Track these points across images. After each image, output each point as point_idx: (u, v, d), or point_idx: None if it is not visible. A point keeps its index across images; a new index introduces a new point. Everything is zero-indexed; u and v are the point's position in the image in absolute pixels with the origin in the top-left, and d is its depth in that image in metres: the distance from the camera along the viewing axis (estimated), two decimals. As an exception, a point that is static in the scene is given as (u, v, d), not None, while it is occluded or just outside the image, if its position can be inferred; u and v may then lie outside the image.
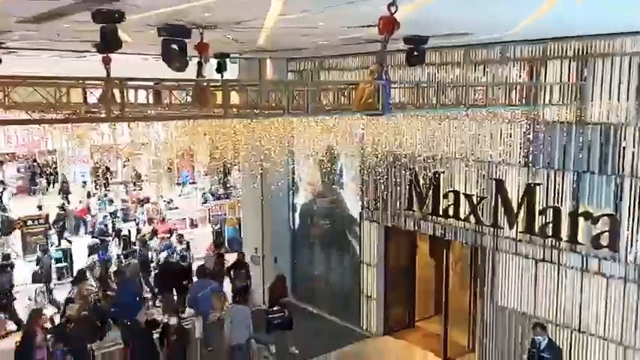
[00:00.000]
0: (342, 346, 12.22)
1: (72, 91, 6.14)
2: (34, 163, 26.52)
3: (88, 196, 22.69)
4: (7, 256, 14.67)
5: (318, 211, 14.08)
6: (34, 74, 6.86)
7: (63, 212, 19.61)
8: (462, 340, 11.84)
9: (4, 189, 24.35)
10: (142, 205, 21.67)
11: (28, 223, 17.76)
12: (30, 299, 13.96)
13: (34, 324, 9.73)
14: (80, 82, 6.27)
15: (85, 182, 25.18)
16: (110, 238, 17.91)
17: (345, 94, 8.29)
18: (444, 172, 11.01)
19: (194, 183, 26.72)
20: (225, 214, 20.31)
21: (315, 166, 13.29)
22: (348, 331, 13.03)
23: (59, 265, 16.12)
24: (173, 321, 10.06)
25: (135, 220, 20.56)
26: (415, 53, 8.07)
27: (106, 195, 23.13)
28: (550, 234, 9.47)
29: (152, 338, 10.08)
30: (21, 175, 25.80)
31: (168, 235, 16.78)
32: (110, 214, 20.58)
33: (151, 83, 7.53)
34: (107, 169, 25.82)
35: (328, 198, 13.77)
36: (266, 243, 14.61)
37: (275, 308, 11.64)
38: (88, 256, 16.14)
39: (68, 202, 22.21)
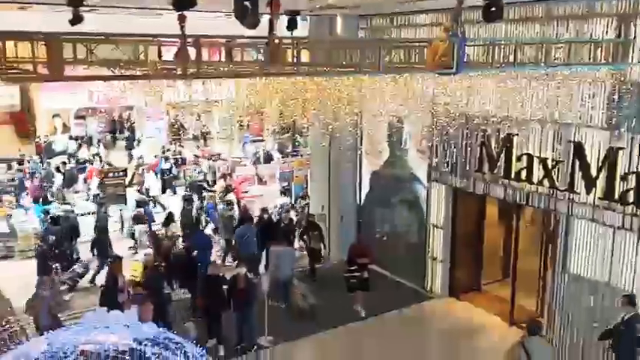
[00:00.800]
0: (405, 306, 12.32)
1: (149, 49, 6.32)
2: (114, 119, 27.66)
3: (163, 151, 23.50)
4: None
5: (385, 172, 14.02)
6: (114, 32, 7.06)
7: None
8: (530, 306, 11.64)
9: (97, 142, 25.68)
10: (214, 161, 22.27)
11: (108, 175, 18.66)
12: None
13: (115, 269, 10.37)
14: (156, 39, 6.43)
15: (158, 138, 26.04)
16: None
17: (417, 51, 8.10)
18: (517, 134, 10.63)
19: (261, 141, 27.13)
20: (293, 172, 20.56)
21: (384, 125, 13.16)
22: (412, 291, 13.10)
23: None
24: (242, 271, 10.40)
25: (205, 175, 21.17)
26: (493, 8, 7.71)
27: (180, 152, 23.90)
28: (631, 201, 9.01)
29: (222, 288, 10.54)
30: (101, 129, 26.99)
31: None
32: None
33: (223, 41, 7.62)
34: (181, 125, 26.60)
35: (396, 158, 13.65)
36: (332, 201, 14.75)
37: (352, 268, 11.75)
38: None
39: (131, 158, 23.18)
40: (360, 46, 6.53)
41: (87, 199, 18.05)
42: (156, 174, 21.33)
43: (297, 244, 14.38)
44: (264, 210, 14.82)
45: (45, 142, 23.22)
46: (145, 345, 5.28)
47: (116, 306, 9.20)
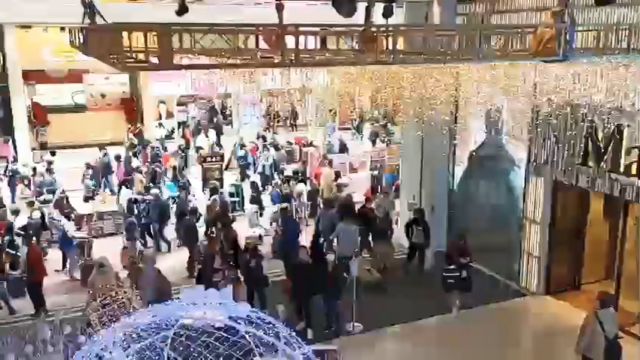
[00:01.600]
0: (497, 301, 11.93)
1: (240, 38, 6.51)
2: (213, 105, 28.82)
3: (257, 137, 24.19)
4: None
5: (480, 162, 13.59)
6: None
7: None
8: (635, 309, 10.87)
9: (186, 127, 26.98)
10: (306, 147, 22.63)
11: (207, 160, 19.52)
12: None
13: (211, 249, 10.87)
14: (256, 28, 6.61)
15: (254, 124, 26.84)
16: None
17: (519, 38, 7.75)
18: (629, 126, 9.90)
19: (349, 129, 27.19)
20: (384, 160, 20.48)
21: (480, 114, 12.70)
22: (506, 287, 12.65)
23: (232, 199, 17.62)
24: (331, 257, 10.52)
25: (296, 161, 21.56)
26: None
27: (273, 138, 24.49)
28: None
29: (311, 273, 10.74)
30: (201, 116, 28.24)
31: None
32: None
33: (319, 29, 7.69)
34: (277, 113, 27.23)
35: (492, 149, 13.18)
36: (424, 191, 14.52)
37: (451, 267, 11.35)
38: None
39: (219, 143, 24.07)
40: (458, 33, 6.34)
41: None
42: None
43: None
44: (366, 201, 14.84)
45: (138, 129, 24.36)
46: (239, 323, 5.55)
47: (211, 285, 9.68)
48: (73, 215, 14.83)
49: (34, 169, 18.80)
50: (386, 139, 23.78)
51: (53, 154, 20.79)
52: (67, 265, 13.19)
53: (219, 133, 25.60)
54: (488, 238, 13.38)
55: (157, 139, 24.06)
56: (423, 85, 8.69)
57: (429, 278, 12.41)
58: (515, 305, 12.05)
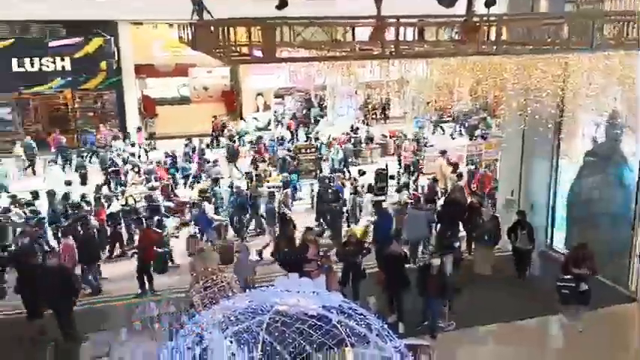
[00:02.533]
0: (602, 306, 11.21)
1: (338, 31, 6.53)
2: (309, 98, 29.28)
3: (351, 129, 24.27)
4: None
5: (588, 158, 12.76)
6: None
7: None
8: None
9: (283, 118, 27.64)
10: (399, 140, 22.42)
11: (302, 151, 19.90)
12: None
13: (307, 239, 11.08)
14: (356, 21, 6.62)
15: (349, 116, 26.95)
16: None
17: (634, 25, 7.19)
18: None
19: (446, 122, 26.57)
20: (482, 154, 19.85)
21: (590, 107, 11.88)
22: (613, 291, 11.84)
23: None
24: (437, 262, 10.25)
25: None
26: None
27: (368, 131, 24.48)
28: None
29: (403, 266, 10.65)
30: (298, 108, 28.81)
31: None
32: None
33: (416, 20, 7.57)
34: (373, 105, 27.18)
35: (603, 144, 12.33)
36: (523, 187, 13.91)
37: (567, 277, 10.63)
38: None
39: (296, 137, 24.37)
40: (567, 21, 5.97)
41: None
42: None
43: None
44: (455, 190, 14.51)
45: (222, 121, 25.20)
46: (332, 312, 5.63)
47: (304, 274, 9.90)
48: (174, 201, 15.73)
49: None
50: (484, 133, 23.05)
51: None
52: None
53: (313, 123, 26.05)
54: (593, 238, 12.57)
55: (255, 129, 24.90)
56: (527, 77, 8.29)
57: (532, 279, 11.95)
58: (623, 311, 11.27)
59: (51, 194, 14.53)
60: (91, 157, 21.36)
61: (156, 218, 13.77)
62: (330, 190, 14.99)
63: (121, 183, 18.18)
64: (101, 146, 21.53)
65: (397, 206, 14.27)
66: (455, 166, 17.65)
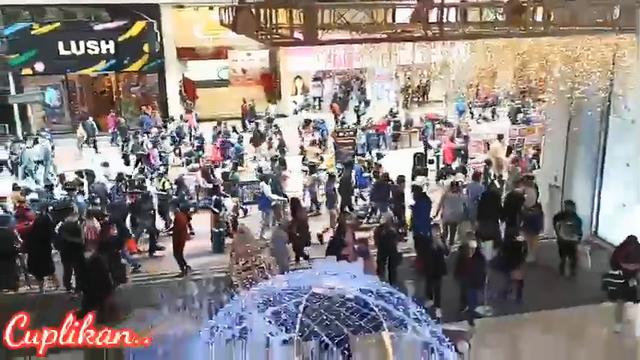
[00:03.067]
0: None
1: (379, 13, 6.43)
2: (347, 80, 29.09)
3: (391, 112, 24.02)
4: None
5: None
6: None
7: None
8: None
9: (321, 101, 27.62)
10: (438, 124, 22.10)
11: (339, 135, 19.80)
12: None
13: (343, 222, 11.08)
14: (396, 2, 6.52)
15: (387, 99, 26.68)
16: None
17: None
18: None
19: (489, 105, 26.02)
20: (524, 139, 19.38)
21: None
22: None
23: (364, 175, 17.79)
24: (473, 244, 10.17)
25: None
26: None
27: (407, 114, 24.19)
28: None
29: (441, 254, 10.56)
30: (335, 91, 28.66)
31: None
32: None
33: (459, 1, 7.41)
34: (418, 87, 26.78)
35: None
36: (567, 174, 13.54)
37: (615, 272, 10.09)
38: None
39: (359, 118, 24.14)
40: (618, 1, 5.72)
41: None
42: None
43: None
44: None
45: (250, 105, 25.17)
46: (370, 296, 5.63)
47: (340, 257, 9.94)
48: (214, 183, 15.96)
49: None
50: (526, 117, 22.48)
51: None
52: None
53: (357, 108, 25.86)
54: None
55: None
56: (574, 59, 8.01)
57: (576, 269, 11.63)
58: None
59: (91, 175, 15.02)
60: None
61: (214, 198, 14.03)
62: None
63: (153, 167, 18.33)
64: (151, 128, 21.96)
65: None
66: (509, 150, 17.29)
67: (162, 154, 19.08)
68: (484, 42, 9.08)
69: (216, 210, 13.32)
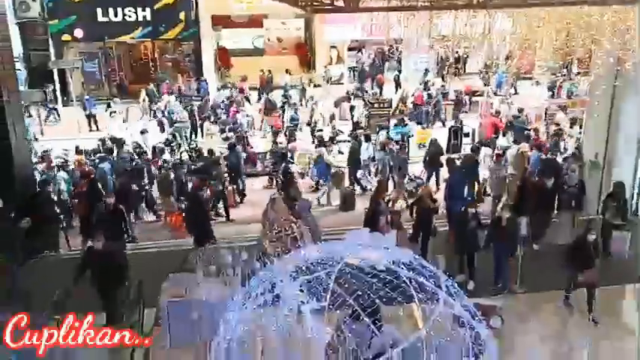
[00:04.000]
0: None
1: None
2: (382, 51, 28.62)
3: (425, 85, 23.59)
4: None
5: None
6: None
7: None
8: None
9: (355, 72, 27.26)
10: (473, 96, 21.65)
11: (374, 106, 19.56)
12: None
13: (378, 194, 11.03)
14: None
15: (426, 70, 26.17)
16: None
17: None
18: None
19: (530, 78, 25.29)
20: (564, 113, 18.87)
21: None
22: None
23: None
24: (505, 214, 10.07)
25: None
26: None
27: (443, 86, 23.73)
28: None
29: (475, 229, 10.43)
30: (369, 61, 28.25)
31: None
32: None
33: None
34: (457, 59, 26.13)
35: None
36: (610, 150, 13.11)
37: None
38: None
39: (397, 89, 23.78)
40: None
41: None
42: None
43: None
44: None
45: (269, 76, 24.83)
46: (401, 268, 5.61)
47: (375, 228, 9.91)
48: (248, 152, 16.08)
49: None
50: (568, 90, 21.83)
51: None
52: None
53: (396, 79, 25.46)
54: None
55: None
56: (625, 31, 7.66)
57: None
58: None
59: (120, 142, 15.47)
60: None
61: (282, 165, 14.30)
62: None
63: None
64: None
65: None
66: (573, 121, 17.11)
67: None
68: (527, 12, 8.75)
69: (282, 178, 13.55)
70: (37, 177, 13.09)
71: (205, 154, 14.94)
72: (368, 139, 15.74)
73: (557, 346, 9.21)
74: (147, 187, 13.82)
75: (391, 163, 14.42)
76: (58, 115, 22.03)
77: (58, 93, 23.27)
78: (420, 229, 11.02)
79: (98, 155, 14.94)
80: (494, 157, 14.03)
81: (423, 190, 12.13)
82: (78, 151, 15.37)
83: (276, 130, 18.38)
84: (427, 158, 15.26)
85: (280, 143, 16.50)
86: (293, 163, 14.98)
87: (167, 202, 13.29)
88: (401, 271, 5.54)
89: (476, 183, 13.66)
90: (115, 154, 14.77)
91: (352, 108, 20.40)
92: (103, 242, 8.36)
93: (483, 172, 14.54)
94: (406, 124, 18.20)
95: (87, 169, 13.49)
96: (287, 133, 17.88)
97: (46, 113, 21.54)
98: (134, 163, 14.16)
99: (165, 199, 13.39)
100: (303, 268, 5.56)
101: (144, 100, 21.89)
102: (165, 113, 19.83)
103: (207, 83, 23.27)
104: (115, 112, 20.91)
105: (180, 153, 16.53)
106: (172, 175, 13.52)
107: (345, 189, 14.14)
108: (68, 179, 13.25)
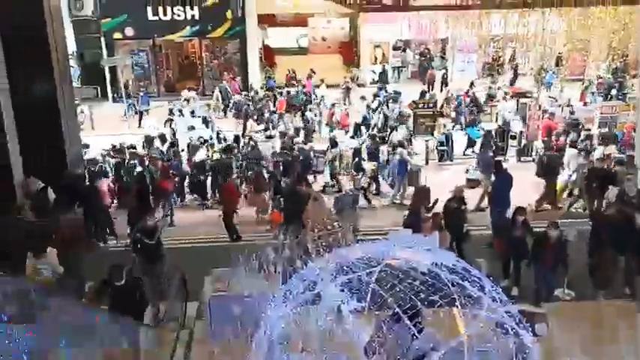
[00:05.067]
0: None
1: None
2: (427, 50, 28.19)
3: (471, 85, 23.12)
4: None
5: None
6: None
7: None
8: None
9: (400, 71, 26.98)
10: (519, 98, 21.05)
11: (419, 106, 19.25)
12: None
13: (418, 200, 10.86)
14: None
15: (469, 71, 25.66)
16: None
17: None
18: None
19: (580, 80, 24.49)
20: (616, 117, 18.20)
21: None
22: None
23: (441, 148, 17.42)
24: (554, 234, 9.73)
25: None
26: None
27: (490, 87, 23.19)
28: None
29: (524, 237, 10.17)
30: (415, 61, 27.90)
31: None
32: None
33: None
34: (494, 60, 25.65)
35: None
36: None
37: None
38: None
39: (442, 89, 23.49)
40: None
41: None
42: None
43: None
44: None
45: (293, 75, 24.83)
46: (443, 270, 5.52)
47: (417, 230, 9.81)
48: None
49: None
50: (620, 93, 20.99)
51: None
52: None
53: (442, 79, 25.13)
54: None
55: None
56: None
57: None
58: None
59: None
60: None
61: (355, 160, 14.80)
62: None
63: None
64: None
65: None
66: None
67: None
68: (579, 13, 8.49)
69: (355, 173, 14.13)
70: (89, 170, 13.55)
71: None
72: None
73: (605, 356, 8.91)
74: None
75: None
76: (147, 112, 22.14)
77: (109, 89, 23.95)
78: (450, 232, 10.70)
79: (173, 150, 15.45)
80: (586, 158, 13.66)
81: (455, 189, 11.63)
82: (148, 145, 15.92)
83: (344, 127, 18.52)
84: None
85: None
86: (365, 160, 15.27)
87: (259, 199, 13.55)
88: (442, 273, 5.46)
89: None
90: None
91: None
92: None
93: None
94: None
95: (165, 165, 14.10)
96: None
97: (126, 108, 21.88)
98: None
99: (256, 195, 13.63)
100: (344, 267, 5.55)
101: (217, 99, 22.32)
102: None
103: (274, 81, 23.44)
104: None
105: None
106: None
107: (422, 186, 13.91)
108: (145, 174, 13.60)
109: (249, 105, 20.48)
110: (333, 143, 15.60)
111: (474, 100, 20.51)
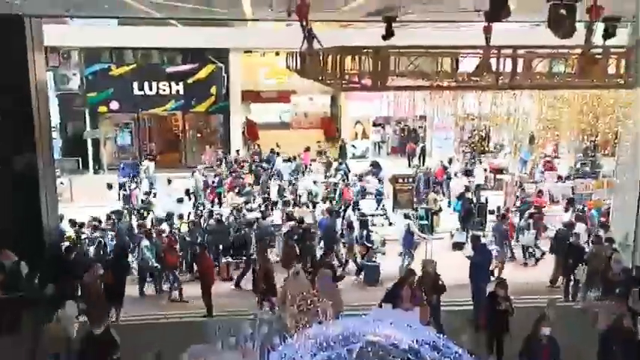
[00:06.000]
0: None
1: (444, 61, 6.47)
2: (406, 128, 29.03)
3: (449, 161, 23.68)
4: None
5: None
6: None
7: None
8: None
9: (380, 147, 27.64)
10: (499, 175, 21.56)
11: (398, 181, 19.55)
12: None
13: (404, 281, 10.67)
14: (473, 51, 6.52)
15: (446, 148, 26.34)
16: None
17: None
18: None
19: (557, 158, 25.26)
20: (590, 194, 18.65)
21: None
22: None
23: (421, 222, 17.51)
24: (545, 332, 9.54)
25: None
26: None
27: (467, 164, 23.76)
28: None
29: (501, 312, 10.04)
30: (395, 136, 28.65)
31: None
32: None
33: (524, 52, 7.32)
34: (482, 137, 26.42)
35: None
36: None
37: None
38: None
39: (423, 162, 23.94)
40: None
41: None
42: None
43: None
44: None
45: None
46: (424, 347, 5.42)
47: (395, 305, 9.67)
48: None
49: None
50: (591, 172, 21.69)
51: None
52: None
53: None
54: None
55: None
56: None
57: None
58: None
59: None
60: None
61: (365, 232, 14.76)
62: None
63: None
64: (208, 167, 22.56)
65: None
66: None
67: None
68: (552, 93, 8.91)
69: (368, 244, 14.32)
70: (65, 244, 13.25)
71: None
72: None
73: None
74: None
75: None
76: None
77: (90, 161, 23.97)
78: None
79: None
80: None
81: (428, 264, 11.41)
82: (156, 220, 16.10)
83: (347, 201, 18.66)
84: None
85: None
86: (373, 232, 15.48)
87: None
88: (424, 350, 5.36)
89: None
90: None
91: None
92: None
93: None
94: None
95: (171, 239, 14.09)
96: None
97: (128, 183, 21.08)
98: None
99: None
100: (324, 343, 5.43)
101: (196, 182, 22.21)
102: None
103: (275, 155, 23.67)
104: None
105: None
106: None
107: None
108: (151, 247, 13.46)
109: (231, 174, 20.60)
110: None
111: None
